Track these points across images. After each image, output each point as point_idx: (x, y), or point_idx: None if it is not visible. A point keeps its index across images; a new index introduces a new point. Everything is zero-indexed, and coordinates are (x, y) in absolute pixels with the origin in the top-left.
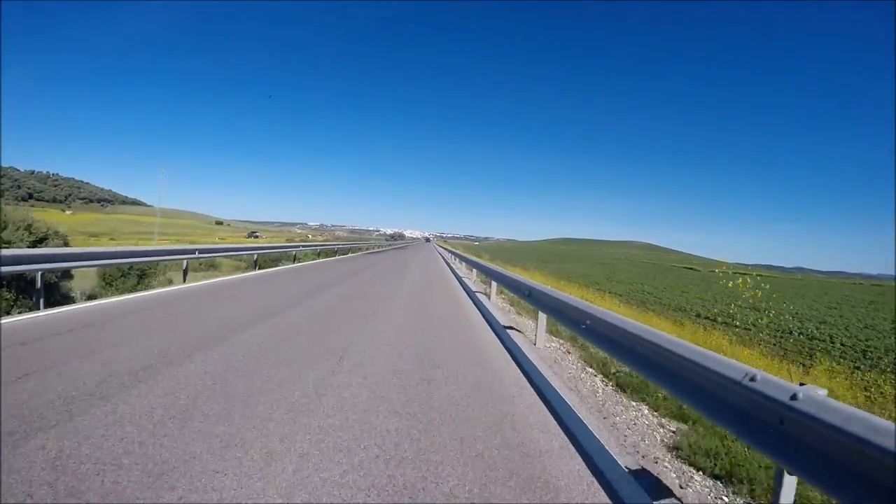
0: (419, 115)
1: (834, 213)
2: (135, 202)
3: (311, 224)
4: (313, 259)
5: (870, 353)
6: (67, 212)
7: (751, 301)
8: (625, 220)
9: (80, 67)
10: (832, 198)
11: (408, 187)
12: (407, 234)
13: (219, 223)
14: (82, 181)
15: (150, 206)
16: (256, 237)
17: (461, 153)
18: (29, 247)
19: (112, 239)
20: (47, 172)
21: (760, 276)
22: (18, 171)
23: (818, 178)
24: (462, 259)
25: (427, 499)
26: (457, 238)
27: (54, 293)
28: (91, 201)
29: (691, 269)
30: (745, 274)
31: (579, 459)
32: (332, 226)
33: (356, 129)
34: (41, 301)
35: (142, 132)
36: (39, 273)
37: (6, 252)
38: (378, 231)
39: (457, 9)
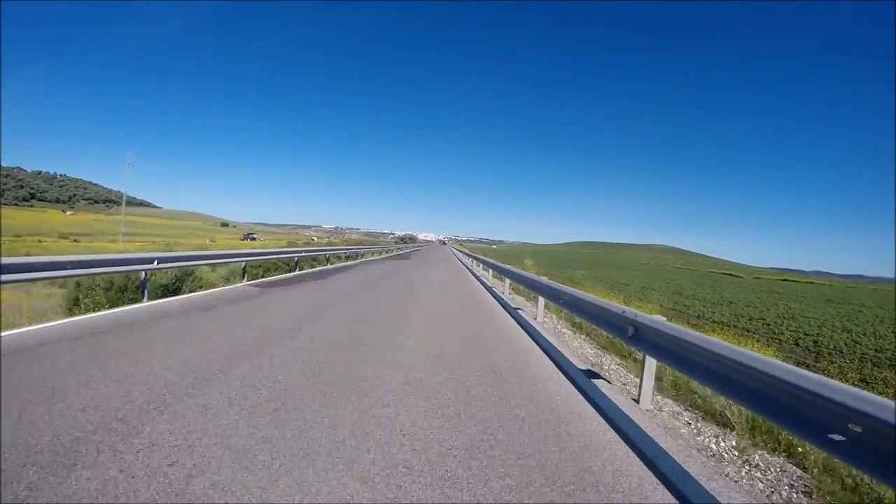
0: (435, 117)
1: (847, 216)
2: (142, 203)
3: (326, 226)
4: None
5: None
6: (68, 213)
7: None
8: (641, 223)
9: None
10: (845, 201)
11: (422, 191)
12: (421, 236)
13: (224, 225)
14: (89, 182)
15: (157, 206)
16: (252, 239)
17: (475, 156)
18: None
19: (76, 241)
20: (55, 173)
21: (812, 283)
22: (25, 171)
23: (832, 182)
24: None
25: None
26: (471, 241)
27: None
28: (97, 202)
29: (733, 275)
30: (793, 281)
31: None
32: (348, 228)
33: (373, 133)
34: None
35: (157, 134)
36: None
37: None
38: (392, 234)
39: (474, 10)
